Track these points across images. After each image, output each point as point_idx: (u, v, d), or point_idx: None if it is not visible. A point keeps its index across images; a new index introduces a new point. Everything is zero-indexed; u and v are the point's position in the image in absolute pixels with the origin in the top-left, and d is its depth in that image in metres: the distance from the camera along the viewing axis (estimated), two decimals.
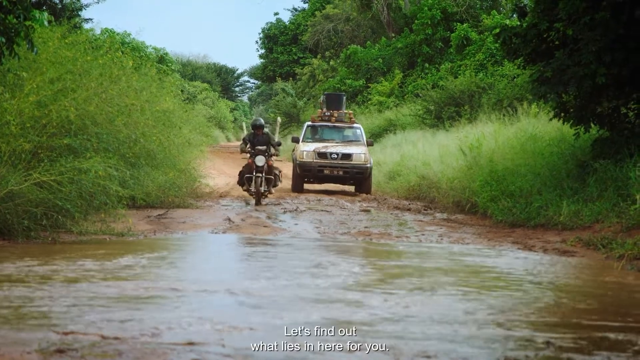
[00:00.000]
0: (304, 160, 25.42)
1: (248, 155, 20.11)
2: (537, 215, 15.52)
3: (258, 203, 19.70)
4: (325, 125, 27.01)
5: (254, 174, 19.51)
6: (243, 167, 20.09)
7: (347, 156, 25.20)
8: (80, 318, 7.13)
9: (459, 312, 7.97)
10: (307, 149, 25.57)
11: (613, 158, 15.06)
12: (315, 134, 26.82)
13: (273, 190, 20.05)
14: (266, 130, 19.70)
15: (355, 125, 27.13)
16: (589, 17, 14.71)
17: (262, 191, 19.55)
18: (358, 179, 25.27)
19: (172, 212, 17.37)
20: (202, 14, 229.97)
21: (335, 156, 25.22)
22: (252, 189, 19.57)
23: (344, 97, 28.60)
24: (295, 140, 26.10)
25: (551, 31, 15.89)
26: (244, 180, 19.91)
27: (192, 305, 7.99)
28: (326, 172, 25.16)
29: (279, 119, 24.97)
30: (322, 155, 25.32)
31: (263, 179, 19.54)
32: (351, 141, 26.31)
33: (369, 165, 25.19)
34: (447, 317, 7.71)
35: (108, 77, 16.85)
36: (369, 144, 26.53)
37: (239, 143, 23.44)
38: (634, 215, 13.19)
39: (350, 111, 28.20)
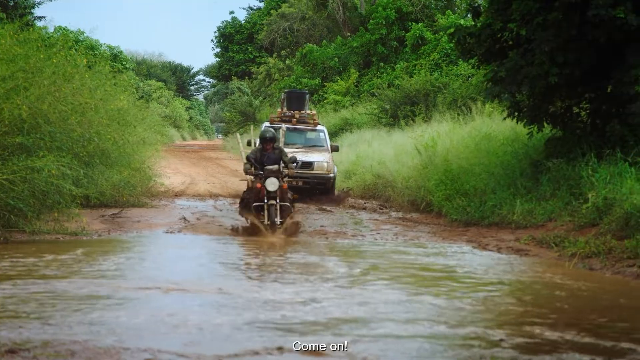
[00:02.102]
0: None
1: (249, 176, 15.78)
2: (491, 214, 15.64)
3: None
4: (286, 127, 22.69)
5: (266, 201, 14.62)
6: (245, 191, 15.65)
7: (308, 164, 21.93)
8: (32, 318, 7.05)
9: (407, 311, 8.01)
10: None
11: (566, 157, 15.20)
12: None
13: (289, 220, 14.85)
14: (277, 144, 15.54)
15: (318, 127, 23.99)
16: (542, 18, 14.83)
17: (278, 223, 14.56)
18: (320, 189, 22.18)
19: (127, 211, 17.26)
20: (157, 13, 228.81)
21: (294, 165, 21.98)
22: (266, 220, 14.55)
23: (307, 96, 25.58)
24: (250, 143, 22.00)
25: (505, 31, 16.00)
26: (249, 208, 14.92)
27: (146, 305, 7.95)
28: (289, 181, 20.66)
29: (283, 126, 19.66)
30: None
31: (278, 207, 14.69)
32: (314, 146, 23.24)
33: (332, 175, 22.35)
34: (395, 315, 7.74)
35: (61, 76, 16.67)
36: (334, 149, 23.22)
37: (193, 142, 22.30)
38: (586, 214, 13.33)
39: (314, 111, 25.03)
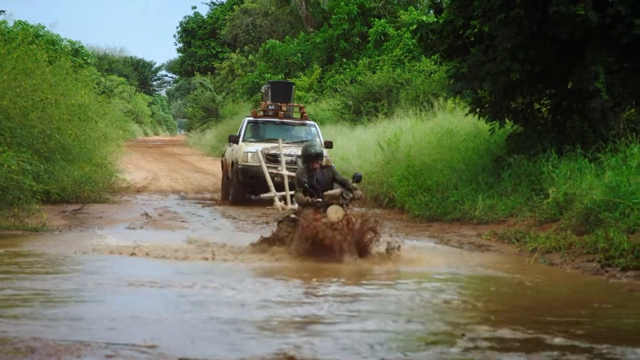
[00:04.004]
0: (248, 164, 19.78)
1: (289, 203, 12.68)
2: (454, 210, 15.72)
3: None
4: (271, 121, 21.53)
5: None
6: (283, 223, 11.70)
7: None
8: None
9: (368, 306, 8.04)
10: (252, 150, 19.91)
11: (527, 153, 15.32)
12: (257, 132, 21.27)
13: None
14: (326, 158, 11.42)
15: (308, 122, 21.80)
16: (504, 15, 14.93)
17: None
18: None
19: (89, 207, 17.15)
20: (119, 7, 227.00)
21: (290, 160, 19.55)
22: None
23: (294, 87, 23.68)
24: (233, 139, 20.72)
25: (467, 28, 16.08)
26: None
27: (108, 301, 7.90)
28: (277, 179, 18.38)
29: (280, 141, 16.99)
30: (272, 158, 19.52)
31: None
32: (305, 142, 19.62)
33: None
34: (353, 311, 7.76)
35: (22, 71, 16.54)
36: (327, 146, 20.43)
37: (156, 137, 21.34)
38: (547, 209, 13.44)
39: (302, 104, 23.00)
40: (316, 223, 10.81)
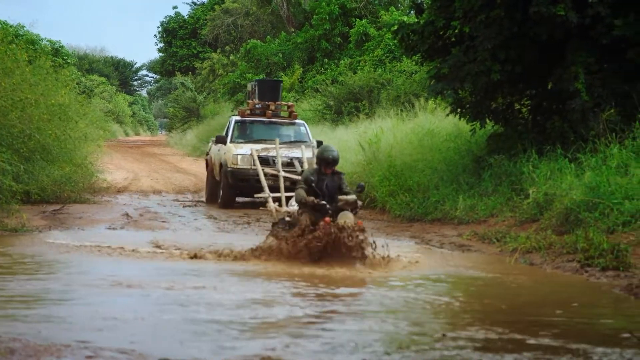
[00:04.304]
0: (238, 166, 19.00)
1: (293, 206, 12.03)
2: (434, 210, 15.75)
3: None
4: (260, 120, 20.83)
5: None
6: (278, 225, 11.50)
7: (298, 162, 16.41)
8: None
9: (347, 306, 8.05)
10: (243, 152, 19.09)
11: (507, 153, 15.37)
12: (245, 132, 20.58)
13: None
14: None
15: (298, 121, 21.18)
16: (485, 15, 14.98)
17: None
18: None
19: (69, 208, 17.08)
20: (100, 7, 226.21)
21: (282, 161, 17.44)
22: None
23: (282, 85, 23.07)
24: (221, 139, 19.96)
25: (448, 28, 16.13)
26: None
27: (88, 301, 7.88)
28: (269, 182, 15.38)
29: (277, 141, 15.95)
30: (264, 160, 17.92)
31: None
32: (296, 142, 20.04)
33: None
34: (333, 312, 7.77)
35: (1, 70, 16.46)
36: (318, 146, 18.47)
37: (137, 137, 21.09)
38: (527, 209, 13.49)
39: (291, 103, 22.35)
40: (324, 224, 10.34)
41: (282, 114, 21.22)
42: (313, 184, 10.81)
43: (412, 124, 20.92)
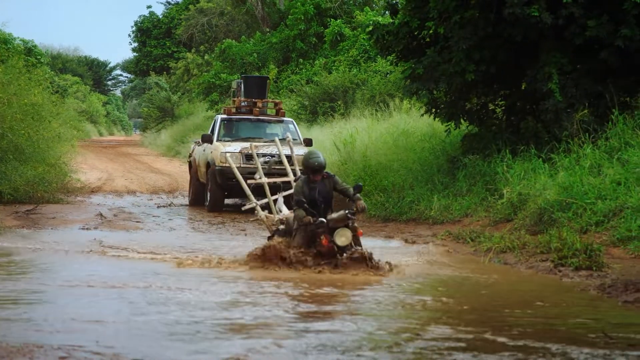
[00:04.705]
0: (226, 165, 17.54)
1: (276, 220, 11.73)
2: (409, 210, 15.78)
3: None
4: (246, 118, 20.14)
5: (339, 257, 10.26)
6: (273, 238, 11.03)
7: (288, 159, 14.15)
8: None
9: (322, 306, 8.05)
10: (231, 150, 18.23)
11: (482, 153, 15.44)
12: (231, 130, 19.90)
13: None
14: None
15: (286, 119, 20.54)
16: (459, 16, 15.03)
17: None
18: None
19: (42, 208, 16.97)
20: (73, 6, 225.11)
21: (271, 159, 17.76)
22: None
23: (268, 82, 22.14)
24: (207, 139, 19.23)
25: (423, 29, 16.16)
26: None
27: (61, 302, 7.83)
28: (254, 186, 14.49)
29: (288, 135, 14.67)
30: (251, 158, 17.05)
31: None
32: (285, 140, 16.73)
33: None
34: (308, 313, 7.77)
35: None
36: (307, 144, 19.13)
37: (111, 137, 20.70)
38: (501, 209, 13.55)
39: (278, 100, 21.60)
40: (322, 244, 10.18)
41: (268, 111, 20.55)
42: (305, 205, 10.29)
43: (387, 124, 20.96)
